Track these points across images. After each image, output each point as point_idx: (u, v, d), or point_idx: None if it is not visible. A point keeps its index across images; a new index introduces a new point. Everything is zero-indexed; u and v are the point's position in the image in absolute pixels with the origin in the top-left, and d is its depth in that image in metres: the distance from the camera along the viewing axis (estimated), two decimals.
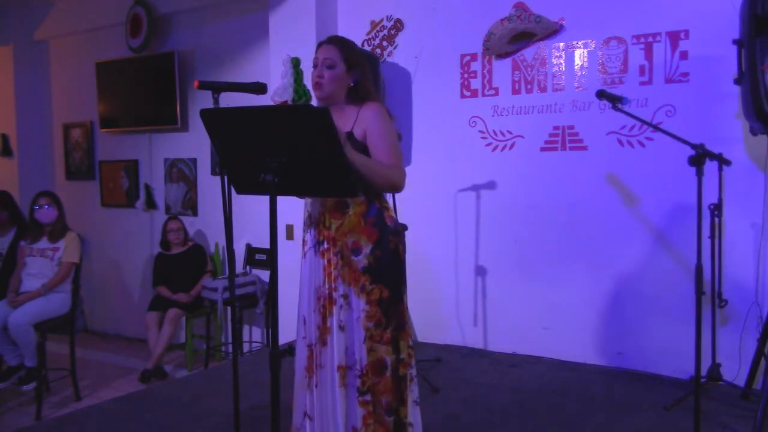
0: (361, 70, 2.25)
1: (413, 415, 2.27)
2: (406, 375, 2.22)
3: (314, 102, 2.46)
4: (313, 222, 2.26)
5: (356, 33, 4.46)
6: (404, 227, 2.87)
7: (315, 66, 2.24)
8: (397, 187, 2.20)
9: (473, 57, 4.11)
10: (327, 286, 2.20)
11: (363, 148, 2.15)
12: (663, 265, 3.55)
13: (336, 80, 2.21)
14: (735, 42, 2.92)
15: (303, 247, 2.31)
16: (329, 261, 2.20)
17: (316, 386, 2.22)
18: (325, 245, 2.20)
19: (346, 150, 1.95)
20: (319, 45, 2.29)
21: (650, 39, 3.56)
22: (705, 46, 3.41)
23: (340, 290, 2.18)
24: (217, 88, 2.20)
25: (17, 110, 6.19)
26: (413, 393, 2.28)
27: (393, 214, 2.27)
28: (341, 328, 2.18)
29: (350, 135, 2.15)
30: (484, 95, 4.09)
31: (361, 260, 2.16)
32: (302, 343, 2.29)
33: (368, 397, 2.16)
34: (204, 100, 3.72)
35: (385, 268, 2.18)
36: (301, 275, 2.31)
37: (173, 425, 3.06)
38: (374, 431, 2.16)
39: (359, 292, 2.16)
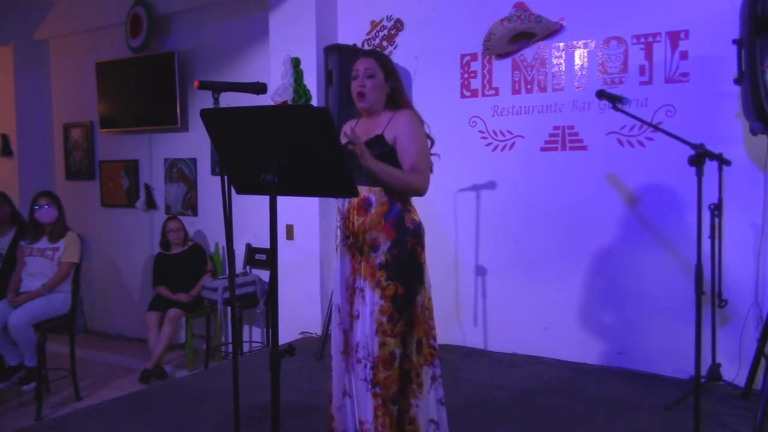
0: (396, 78, 2.43)
1: (438, 413, 2.39)
2: (410, 369, 2.31)
3: (313, 102, 2.49)
4: (342, 218, 2.40)
5: (356, 33, 4.47)
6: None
7: (355, 77, 2.38)
8: (418, 192, 2.32)
9: (473, 57, 4.11)
10: (353, 278, 2.36)
11: (390, 151, 2.29)
12: (663, 265, 3.55)
13: (377, 88, 2.37)
14: (735, 42, 2.92)
15: (336, 242, 2.48)
16: (353, 255, 2.35)
17: (352, 368, 2.35)
18: (351, 240, 2.36)
19: (366, 159, 2.16)
20: (357, 58, 2.43)
21: (650, 39, 3.56)
22: (705, 46, 3.41)
23: (359, 283, 2.32)
24: (217, 88, 2.20)
25: (17, 110, 6.20)
26: (437, 392, 2.40)
27: (416, 217, 2.37)
28: (357, 317, 2.32)
29: (380, 138, 2.30)
30: (484, 95, 4.09)
31: (379, 256, 2.28)
32: (338, 329, 2.43)
33: (378, 389, 2.25)
34: (204, 100, 3.72)
35: (401, 266, 2.28)
36: (335, 267, 2.47)
37: (173, 425, 3.06)
38: (383, 423, 2.24)
39: (374, 286, 2.27)
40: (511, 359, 3.91)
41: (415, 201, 2.40)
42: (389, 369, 2.25)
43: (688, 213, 3.37)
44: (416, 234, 2.33)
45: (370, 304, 2.27)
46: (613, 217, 3.70)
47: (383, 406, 2.25)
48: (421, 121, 2.39)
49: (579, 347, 3.81)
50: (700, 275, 2.55)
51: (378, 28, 4.44)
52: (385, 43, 4.41)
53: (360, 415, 2.28)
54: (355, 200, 2.32)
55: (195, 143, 5.33)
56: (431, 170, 2.39)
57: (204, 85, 2.20)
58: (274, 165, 1.79)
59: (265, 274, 4.91)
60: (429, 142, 2.42)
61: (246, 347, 5.02)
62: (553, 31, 3.80)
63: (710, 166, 2.73)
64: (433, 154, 2.44)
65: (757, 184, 3.29)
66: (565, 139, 3.83)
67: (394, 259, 2.27)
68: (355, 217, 2.33)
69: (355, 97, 2.40)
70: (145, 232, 5.76)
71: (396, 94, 2.40)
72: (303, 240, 4.48)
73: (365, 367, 2.26)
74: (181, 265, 4.94)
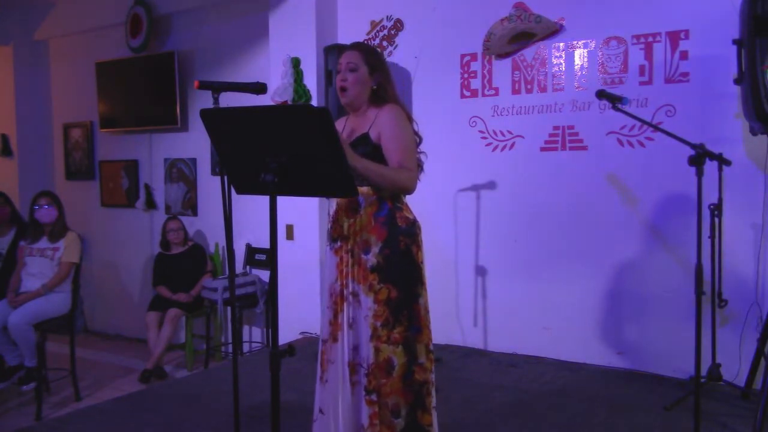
0: (383, 73, 2.31)
1: (433, 420, 2.26)
2: (427, 380, 2.19)
3: (313, 102, 2.47)
4: (331, 220, 2.33)
5: (356, 33, 4.47)
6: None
7: (338, 71, 2.29)
8: (405, 189, 2.20)
9: (473, 57, 4.11)
10: (339, 283, 2.24)
11: (375, 149, 2.19)
12: (663, 265, 3.55)
13: (359, 82, 2.26)
14: (735, 42, 2.92)
15: (327, 245, 2.39)
16: (341, 258, 2.24)
17: (327, 381, 2.26)
18: (339, 243, 2.26)
19: (349, 157, 1.99)
20: (342, 52, 2.35)
21: (650, 39, 3.56)
22: (705, 46, 3.41)
23: (351, 288, 2.21)
24: (217, 88, 2.21)
25: (17, 110, 6.19)
26: (433, 399, 2.26)
27: (408, 215, 2.25)
28: (350, 325, 2.21)
29: (366, 136, 2.21)
30: (484, 95, 4.09)
31: (370, 259, 2.18)
32: (320, 338, 2.35)
33: (374, 397, 2.16)
34: (204, 100, 3.72)
35: (393, 268, 2.17)
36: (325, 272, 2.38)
37: (173, 425, 3.06)
38: (379, 431, 2.15)
39: (367, 290, 2.17)
40: (511, 359, 3.91)
41: (416, 201, 2.36)
42: (386, 377, 2.14)
43: (688, 213, 3.36)
44: (410, 233, 2.20)
45: (364, 308, 2.17)
46: (613, 217, 3.70)
47: (379, 414, 2.15)
48: (409, 117, 2.27)
49: (579, 347, 3.81)
50: (700, 275, 2.55)
51: (378, 28, 4.44)
52: (385, 43, 4.41)
53: (360, 419, 2.21)
54: (342, 202, 2.23)
55: (195, 143, 5.33)
56: (421, 168, 2.30)
57: (204, 85, 2.20)
58: (274, 165, 1.78)
59: (265, 274, 4.91)
60: (417, 139, 2.30)
61: (246, 347, 5.02)
62: (553, 31, 3.80)
63: (710, 166, 2.73)
64: (421, 152, 2.32)
65: (757, 184, 3.29)
66: (565, 139, 3.83)
67: (386, 260, 2.16)
68: (344, 219, 2.23)
69: (338, 93, 2.30)
70: (145, 232, 5.76)
71: (382, 90, 2.29)
72: (303, 240, 4.48)
73: (363, 373, 2.18)
74: (181, 265, 4.95)
